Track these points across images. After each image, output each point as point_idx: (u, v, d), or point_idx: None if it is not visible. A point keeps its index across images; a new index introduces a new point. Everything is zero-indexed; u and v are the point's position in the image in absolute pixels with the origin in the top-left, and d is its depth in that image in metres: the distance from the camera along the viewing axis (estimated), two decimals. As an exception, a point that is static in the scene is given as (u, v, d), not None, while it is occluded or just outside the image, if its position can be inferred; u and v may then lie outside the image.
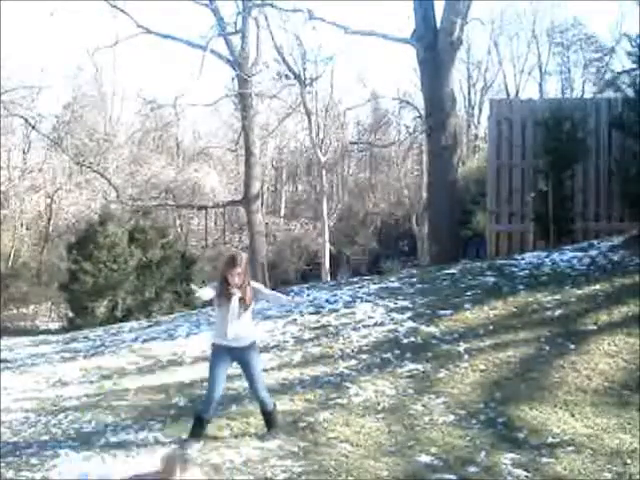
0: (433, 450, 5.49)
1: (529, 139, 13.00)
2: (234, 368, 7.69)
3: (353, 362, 7.54)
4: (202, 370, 7.69)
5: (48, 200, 29.60)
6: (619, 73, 15.13)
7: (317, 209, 29.83)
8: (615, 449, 5.52)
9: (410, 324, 8.43)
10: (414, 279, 10.52)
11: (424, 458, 5.36)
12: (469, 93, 37.61)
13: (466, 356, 7.44)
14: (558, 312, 8.30)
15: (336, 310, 9.34)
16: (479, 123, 37.03)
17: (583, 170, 12.67)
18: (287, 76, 23.79)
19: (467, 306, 8.76)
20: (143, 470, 3.76)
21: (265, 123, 31.08)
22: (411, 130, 28.60)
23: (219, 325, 5.61)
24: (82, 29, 44.97)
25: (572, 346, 7.47)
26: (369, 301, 9.52)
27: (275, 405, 5.84)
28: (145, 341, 9.61)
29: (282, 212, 36.64)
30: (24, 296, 25.65)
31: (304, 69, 24.16)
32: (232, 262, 5.49)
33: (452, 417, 6.15)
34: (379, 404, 6.45)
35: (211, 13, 21.29)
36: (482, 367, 7.17)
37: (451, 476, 5.08)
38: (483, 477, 5.10)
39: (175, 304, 20.69)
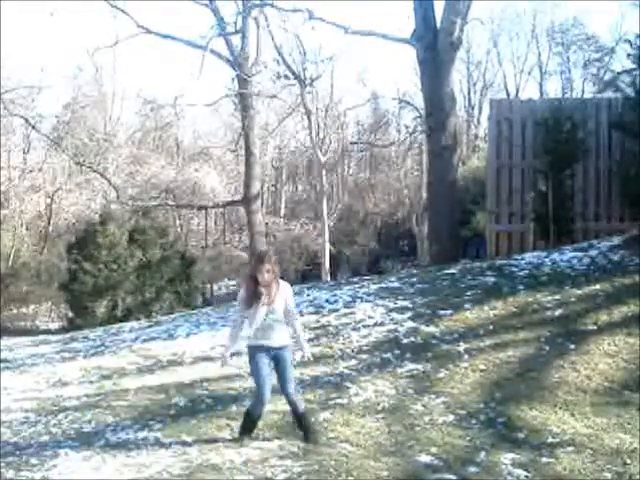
0: (433, 450, 5.49)
1: (529, 139, 13.00)
2: (234, 368, 7.71)
3: (353, 362, 7.55)
4: (202, 370, 7.71)
5: (48, 200, 29.60)
6: (619, 73, 15.13)
7: (317, 209, 29.83)
8: (615, 449, 5.52)
9: (410, 324, 8.43)
10: (414, 279, 10.52)
11: (424, 458, 5.36)
12: (469, 93, 37.67)
13: (466, 356, 7.44)
14: (558, 312, 8.31)
15: (336, 310, 9.34)
16: (479, 123, 37.08)
17: (583, 170, 12.68)
18: (287, 76, 23.76)
19: (467, 306, 8.76)
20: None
21: (265, 123, 31.10)
22: (411, 130, 28.56)
23: (250, 325, 5.58)
24: (82, 29, 45.04)
25: (572, 346, 7.47)
26: (369, 301, 9.52)
27: (305, 411, 5.70)
28: (145, 341, 9.61)
29: (282, 212, 36.64)
30: (24, 296, 25.64)
31: (304, 69, 24.13)
32: (261, 259, 5.50)
33: (452, 417, 6.15)
34: (379, 404, 6.45)
35: (211, 13, 21.31)
36: (482, 367, 7.17)
37: (451, 476, 5.08)
38: (483, 477, 5.10)
39: (175, 304, 20.72)
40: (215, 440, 5.61)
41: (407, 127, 29.67)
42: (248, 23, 21.41)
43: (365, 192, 34.65)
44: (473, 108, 37.73)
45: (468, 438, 5.73)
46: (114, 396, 7.04)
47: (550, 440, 5.68)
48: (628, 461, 5.33)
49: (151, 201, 26.48)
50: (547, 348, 7.47)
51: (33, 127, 28.02)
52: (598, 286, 8.84)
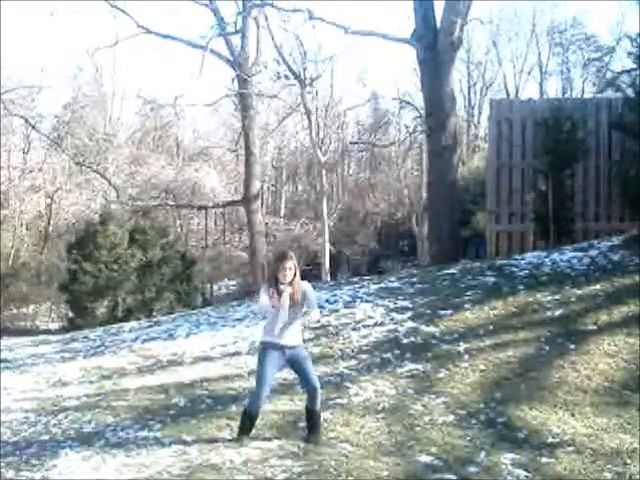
0: (433, 450, 5.49)
1: (529, 139, 13.00)
2: (234, 368, 7.70)
3: (353, 362, 7.54)
4: (202, 370, 7.71)
5: (48, 200, 29.60)
6: (619, 73, 15.13)
7: (317, 209, 29.80)
8: (615, 449, 5.52)
9: (410, 324, 8.43)
10: (414, 279, 10.51)
11: (424, 458, 5.35)
12: (469, 93, 37.65)
13: (466, 356, 7.44)
14: (558, 312, 8.30)
15: (336, 310, 9.34)
16: (479, 123, 37.05)
17: (583, 170, 12.67)
18: (287, 76, 23.76)
19: (467, 306, 8.76)
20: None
21: (265, 123, 31.11)
22: (411, 130, 28.56)
23: (269, 323, 5.58)
24: (82, 29, 45.06)
25: (572, 346, 7.47)
26: (369, 301, 9.52)
27: (320, 409, 5.67)
28: (145, 341, 9.61)
29: (282, 212, 36.64)
30: (24, 296, 25.64)
31: (304, 69, 24.11)
32: (282, 257, 5.52)
33: (452, 417, 6.15)
34: (379, 404, 6.45)
35: (211, 13, 21.34)
36: (482, 367, 7.17)
37: (451, 476, 5.07)
38: (483, 477, 5.09)
39: (175, 304, 20.72)
40: (215, 440, 5.61)
41: (407, 127, 29.67)
42: (248, 23, 21.43)
43: (365, 192, 34.63)
44: (473, 108, 37.72)
45: (468, 438, 5.73)
46: (114, 396, 7.03)
47: (550, 440, 5.68)
48: (628, 461, 5.33)
49: (151, 201, 26.49)
50: (547, 348, 7.47)
51: (33, 127, 28.06)
52: (598, 286, 8.84)
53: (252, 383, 6.53)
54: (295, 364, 5.61)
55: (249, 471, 5.03)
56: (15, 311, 25.83)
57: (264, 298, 5.48)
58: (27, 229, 30.03)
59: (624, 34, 18.35)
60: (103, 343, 10.04)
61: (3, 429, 6.23)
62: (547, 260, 10.16)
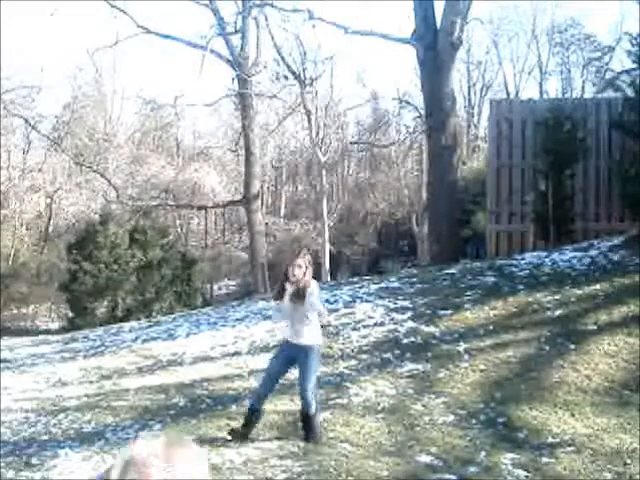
0: (433, 450, 5.49)
1: (529, 139, 12.99)
2: (234, 368, 7.69)
3: (353, 362, 7.54)
4: (202, 370, 7.71)
5: (48, 200, 29.60)
6: (619, 73, 15.12)
7: (317, 209, 29.81)
8: (615, 449, 5.52)
9: (410, 324, 8.43)
10: (414, 279, 10.51)
11: (424, 458, 5.35)
12: (469, 93, 37.60)
13: (466, 356, 7.44)
14: (558, 312, 8.30)
15: (336, 310, 9.33)
16: (479, 123, 37.03)
17: (583, 170, 12.66)
18: (286, 77, 23.79)
19: (467, 306, 8.75)
20: None
21: (265, 123, 31.07)
22: (411, 130, 28.60)
23: (285, 321, 5.66)
24: (82, 29, 45.04)
25: (572, 346, 7.46)
26: (369, 301, 9.51)
27: (317, 411, 5.66)
28: (145, 341, 9.61)
29: (282, 212, 36.63)
30: (24, 296, 25.63)
31: (304, 69, 24.12)
32: (293, 254, 5.64)
33: (452, 417, 6.15)
34: (379, 404, 6.45)
35: (211, 13, 21.34)
36: (482, 367, 7.16)
37: (451, 476, 5.07)
38: (483, 477, 5.10)
39: (175, 304, 20.71)
40: (215, 440, 5.61)
41: (407, 127, 29.71)
42: (248, 23, 21.44)
43: (365, 192, 34.63)
44: (473, 108, 37.69)
45: (468, 438, 5.73)
46: (114, 396, 7.03)
47: (550, 440, 5.68)
48: (628, 461, 5.33)
49: (151, 201, 26.49)
50: (547, 348, 7.47)
51: (33, 127, 28.06)
52: (598, 286, 8.84)
53: (252, 383, 6.54)
54: (298, 363, 5.63)
55: (249, 471, 5.03)
56: (15, 311, 25.83)
57: (274, 292, 5.65)
58: (27, 229, 30.03)
59: (624, 32, 18.30)
60: (103, 343, 10.04)
61: (3, 429, 6.24)
62: (547, 260, 10.16)
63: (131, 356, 8.75)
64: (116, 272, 20.43)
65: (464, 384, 6.83)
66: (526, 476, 5.11)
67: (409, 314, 8.75)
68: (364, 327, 8.54)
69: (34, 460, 5.37)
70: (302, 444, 5.51)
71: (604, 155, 12.77)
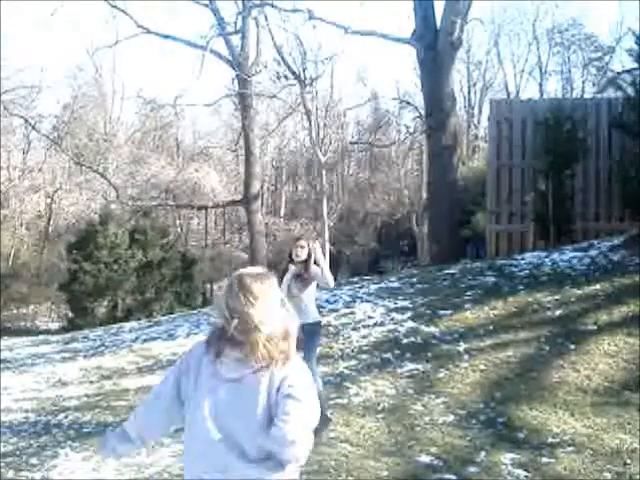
0: (433, 450, 5.49)
1: (529, 139, 12.99)
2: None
3: (353, 362, 7.54)
4: (202, 370, 7.69)
5: (48, 200, 29.59)
6: (619, 73, 15.12)
7: (317, 209, 29.80)
8: (615, 449, 5.52)
9: (410, 324, 8.42)
10: (414, 279, 10.51)
11: (424, 458, 5.35)
12: (469, 93, 37.59)
13: (466, 356, 7.44)
14: (558, 312, 8.30)
15: (336, 310, 9.34)
16: (479, 123, 37.01)
17: (583, 170, 12.66)
18: (286, 77, 23.75)
19: (467, 306, 8.75)
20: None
21: (265, 123, 31.08)
22: (411, 130, 28.56)
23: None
24: (82, 29, 45.07)
25: (572, 346, 7.46)
26: (369, 301, 9.51)
27: (322, 390, 5.73)
28: (145, 341, 9.61)
29: (282, 212, 36.62)
30: (24, 296, 25.63)
31: (304, 69, 24.09)
32: (298, 237, 5.76)
33: (452, 417, 6.15)
34: (379, 404, 6.45)
35: (211, 13, 21.32)
36: (482, 367, 7.16)
37: (451, 476, 5.07)
38: (483, 477, 5.09)
39: (175, 304, 20.72)
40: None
41: (407, 127, 29.67)
42: (248, 23, 21.41)
43: (365, 192, 34.62)
44: (473, 108, 37.68)
45: (468, 438, 5.73)
46: (114, 396, 7.03)
47: (550, 440, 5.68)
48: (628, 461, 5.32)
49: (151, 201, 26.48)
50: (547, 348, 7.46)
51: (33, 127, 28.03)
52: (598, 286, 8.83)
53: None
54: None
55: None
56: (15, 311, 25.83)
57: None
58: (27, 229, 30.02)
59: (627, 28, 18.25)
60: (103, 343, 10.04)
61: (3, 429, 6.23)
62: (547, 260, 10.16)
63: (131, 356, 8.76)
64: (116, 272, 20.44)
65: (464, 384, 6.83)
66: (526, 476, 5.11)
67: (409, 314, 8.75)
68: (364, 327, 8.54)
69: (34, 460, 5.37)
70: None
71: (604, 155, 12.77)
